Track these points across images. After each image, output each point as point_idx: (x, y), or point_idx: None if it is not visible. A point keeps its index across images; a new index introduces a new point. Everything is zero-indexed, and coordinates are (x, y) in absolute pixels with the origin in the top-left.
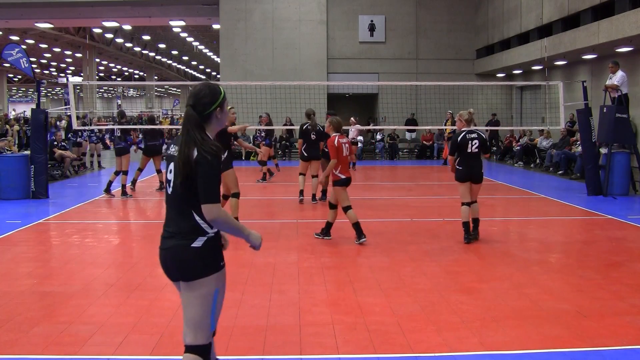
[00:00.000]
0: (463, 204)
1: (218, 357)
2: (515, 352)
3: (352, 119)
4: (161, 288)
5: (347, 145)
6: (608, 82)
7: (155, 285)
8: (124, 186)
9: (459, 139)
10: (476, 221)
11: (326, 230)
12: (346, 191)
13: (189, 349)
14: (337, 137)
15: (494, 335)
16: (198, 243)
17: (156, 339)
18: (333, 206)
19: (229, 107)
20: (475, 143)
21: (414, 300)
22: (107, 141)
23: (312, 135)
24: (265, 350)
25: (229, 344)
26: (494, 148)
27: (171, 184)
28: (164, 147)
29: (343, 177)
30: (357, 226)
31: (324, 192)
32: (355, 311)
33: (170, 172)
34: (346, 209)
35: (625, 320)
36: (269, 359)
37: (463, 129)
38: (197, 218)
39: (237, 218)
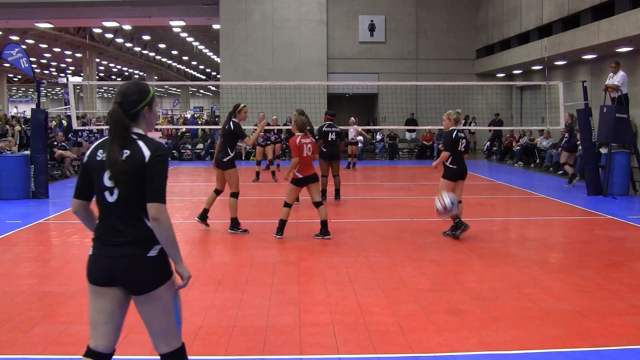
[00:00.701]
0: None
1: (218, 357)
2: (515, 352)
3: (352, 119)
4: None
5: (309, 145)
6: (608, 82)
7: None
8: None
9: (453, 136)
10: (458, 219)
11: (324, 230)
12: (298, 191)
13: (167, 356)
14: (299, 137)
15: (494, 335)
16: (154, 252)
17: None
18: (319, 204)
19: (242, 106)
20: (464, 142)
21: (414, 300)
22: None
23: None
24: (265, 350)
25: (229, 344)
26: (495, 148)
27: (114, 192)
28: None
29: (300, 176)
30: (282, 223)
31: (324, 192)
32: (355, 311)
33: (111, 178)
34: (286, 205)
35: (625, 320)
36: (269, 359)
37: (453, 128)
38: (149, 224)
39: (235, 218)
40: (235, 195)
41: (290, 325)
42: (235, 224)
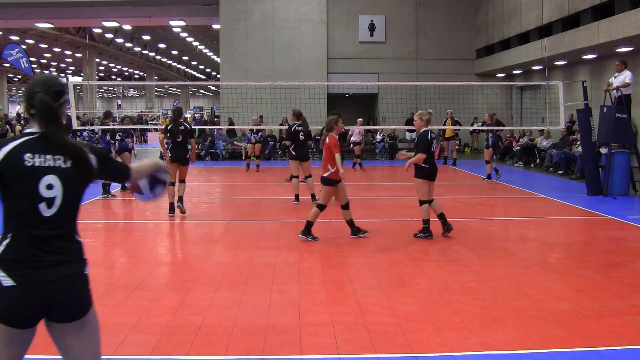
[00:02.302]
0: (425, 202)
1: (218, 357)
2: (515, 352)
3: (359, 119)
4: (161, 288)
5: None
6: (617, 83)
7: (155, 285)
8: (105, 185)
9: (429, 137)
10: (443, 215)
11: (307, 230)
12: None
13: None
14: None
15: (494, 335)
16: (87, 269)
17: (156, 339)
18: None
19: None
20: (435, 143)
21: (414, 300)
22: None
23: (300, 136)
24: (265, 350)
25: (229, 344)
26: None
27: (55, 203)
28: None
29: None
30: (351, 223)
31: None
32: (355, 311)
33: (51, 187)
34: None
35: (625, 320)
36: (269, 359)
37: (426, 129)
38: (79, 238)
39: (173, 204)
40: (183, 182)
41: (290, 325)
42: (173, 209)
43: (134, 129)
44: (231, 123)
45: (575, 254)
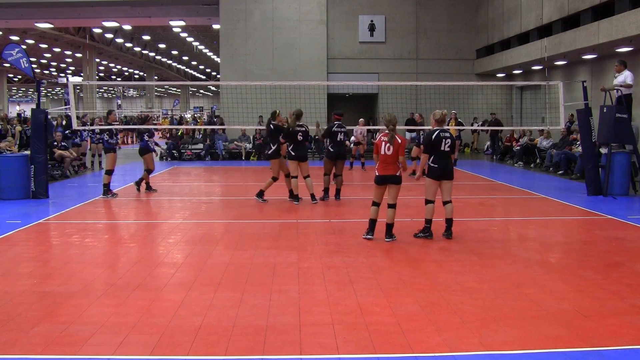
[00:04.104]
0: (429, 201)
1: (218, 357)
2: (515, 352)
3: (361, 120)
4: (161, 288)
5: (387, 144)
6: (614, 81)
7: (155, 285)
8: (105, 185)
9: (433, 137)
10: (450, 221)
11: (388, 232)
12: (377, 189)
13: None
14: (380, 135)
15: (494, 335)
16: None
17: (156, 339)
18: (390, 206)
19: (278, 112)
20: (448, 142)
21: (414, 300)
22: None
23: (299, 136)
24: (265, 350)
25: (229, 344)
26: (495, 147)
27: None
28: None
29: (377, 174)
30: (372, 223)
31: (326, 190)
32: (355, 311)
33: None
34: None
35: (625, 320)
36: (269, 359)
37: (436, 128)
38: None
39: (304, 195)
40: (278, 177)
41: (290, 325)
42: (292, 195)
43: (133, 129)
44: (222, 123)
45: (575, 254)
